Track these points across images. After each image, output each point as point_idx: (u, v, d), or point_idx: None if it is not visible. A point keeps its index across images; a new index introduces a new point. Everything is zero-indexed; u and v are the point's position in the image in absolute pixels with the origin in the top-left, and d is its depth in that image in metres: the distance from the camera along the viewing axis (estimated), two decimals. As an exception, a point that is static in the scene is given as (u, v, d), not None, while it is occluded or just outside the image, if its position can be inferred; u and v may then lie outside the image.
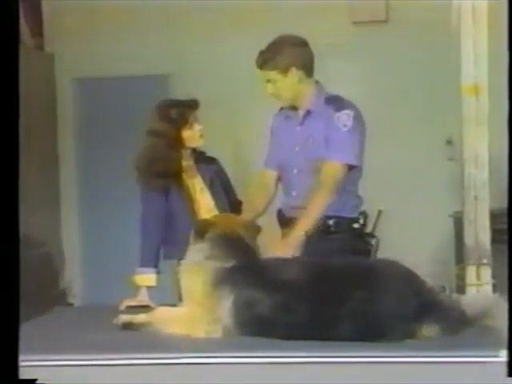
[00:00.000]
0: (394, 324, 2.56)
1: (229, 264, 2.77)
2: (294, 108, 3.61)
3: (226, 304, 2.69)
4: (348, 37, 6.05)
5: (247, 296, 2.68)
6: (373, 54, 6.05)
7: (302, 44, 3.56)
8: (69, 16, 6.24)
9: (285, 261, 2.96)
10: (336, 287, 2.64)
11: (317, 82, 3.61)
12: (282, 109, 3.70)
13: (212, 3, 5.94)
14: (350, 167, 3.49)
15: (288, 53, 3.50)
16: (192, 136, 3.74)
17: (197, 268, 2.86)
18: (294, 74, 3.50)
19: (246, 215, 3.53)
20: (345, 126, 3.46)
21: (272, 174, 3.72)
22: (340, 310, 2.59)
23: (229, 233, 2.93)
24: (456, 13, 3.63)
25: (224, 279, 2.74)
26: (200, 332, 2.73)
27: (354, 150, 3.50)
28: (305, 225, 3.37)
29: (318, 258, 2.95)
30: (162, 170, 3.68)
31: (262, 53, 3.53)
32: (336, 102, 3.53)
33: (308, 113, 3.57)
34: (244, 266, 2.77)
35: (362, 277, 2.67)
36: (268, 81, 3.52)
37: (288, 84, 3.51)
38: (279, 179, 3.72)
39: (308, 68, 3.55)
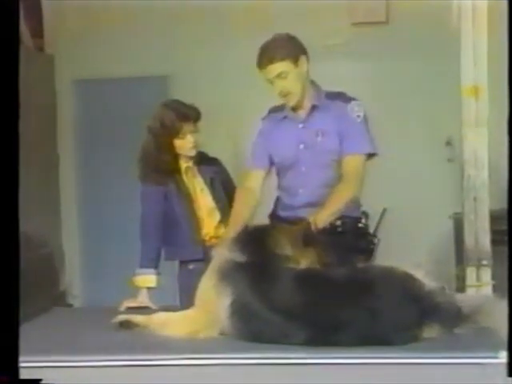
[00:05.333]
0: (397, 333, 2.52)
1: (240, 259, 2.72)
2: (291, 107, 3.52)
3: (225, 302, 2.67)
4: (348, 38, 6.05)
5: (246, 302, 2.63)
6: (373, 55, 6.04)
7: (295, 39, 3.51)
8: (69, 17, 6.23)
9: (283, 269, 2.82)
10: (335, 300, 2.58)
11: (312, 81, 3.57)
12: (271, 112, 3.65)
13: (211, 4, 5.93)
14: (368, 156, 3.48)
15: (293, 41, 3.47)
16: (182, 146, 3.69)
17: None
18: (304, 64, 3.44)
19: (233, 226, 3.31)
20: (358, 116, 3.47)
21: (260, 174, 3.59)
22: (340, 323, 2.53)
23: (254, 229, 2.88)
24: (456, 13, 3.64)
25: (229, 274, 2.69)
26: (199, 333, 2.73)
27: (370, 138, 3.49)
28: (323, 216, 3.23)
29: (315, 269, 2.84)
30: (154, 167, 3.68)
31: (266, 48, 3.44)
32: (340, 96, 3.52)
33: (313, 108, 3.52)
34: (252, 264, 2.70)
35: (360, 288, 2.61)
36: (278, 75, 3.40)
37: (299, 75, 3.43)
38: (278, 182, 3.66)
39: (307, 61, 3.49)
